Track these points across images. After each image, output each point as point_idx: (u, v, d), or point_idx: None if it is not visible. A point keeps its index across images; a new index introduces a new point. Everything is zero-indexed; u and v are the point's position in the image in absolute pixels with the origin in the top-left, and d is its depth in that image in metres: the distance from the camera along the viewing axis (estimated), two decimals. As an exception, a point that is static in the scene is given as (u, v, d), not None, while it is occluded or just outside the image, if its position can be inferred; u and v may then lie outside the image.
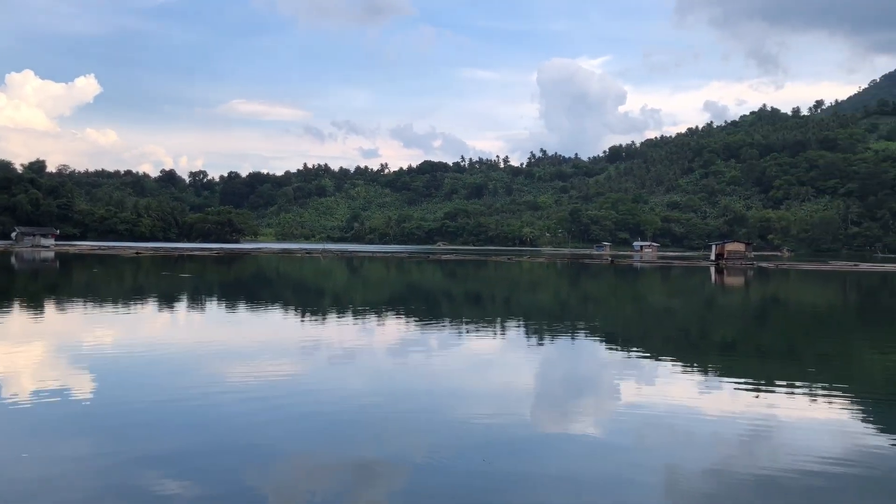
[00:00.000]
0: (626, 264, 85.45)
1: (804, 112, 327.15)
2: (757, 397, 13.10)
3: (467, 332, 22.02)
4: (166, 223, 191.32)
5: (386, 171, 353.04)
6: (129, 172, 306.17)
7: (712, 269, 73.04)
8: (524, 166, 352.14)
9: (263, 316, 25.84)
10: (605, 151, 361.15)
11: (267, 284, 45.69)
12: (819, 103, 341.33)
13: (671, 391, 13.46)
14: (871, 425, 11.33)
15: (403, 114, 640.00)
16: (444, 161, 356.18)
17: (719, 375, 15.51)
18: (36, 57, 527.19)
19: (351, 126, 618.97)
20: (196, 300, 30.96)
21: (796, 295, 44.49)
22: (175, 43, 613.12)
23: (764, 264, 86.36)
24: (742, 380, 14.92)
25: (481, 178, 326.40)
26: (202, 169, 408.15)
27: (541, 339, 20.65)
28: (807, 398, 13.04)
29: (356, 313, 27.22)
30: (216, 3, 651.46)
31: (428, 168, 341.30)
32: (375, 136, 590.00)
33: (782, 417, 11.47)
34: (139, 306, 27.94)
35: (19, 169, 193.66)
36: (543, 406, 12.57)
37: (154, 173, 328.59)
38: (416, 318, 25.35)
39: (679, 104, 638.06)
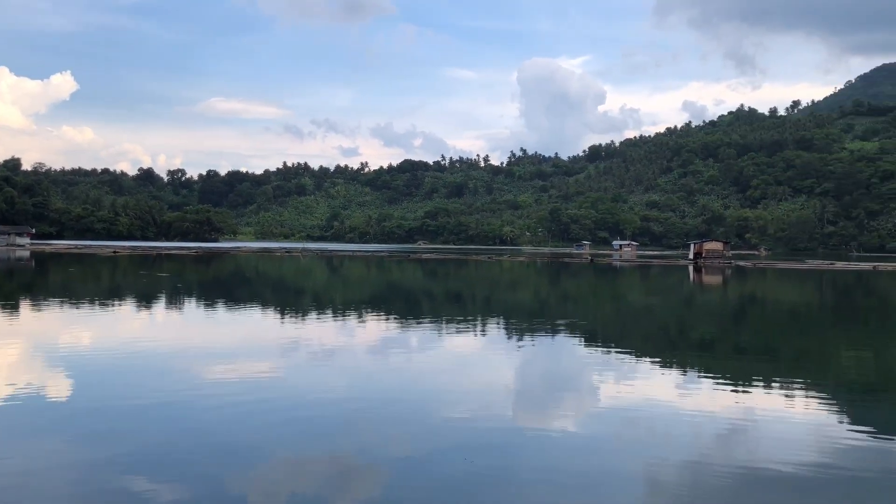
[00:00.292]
0: (606, 263, 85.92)
1: (781, 112, 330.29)
2: (735, 394, 13.23)
3: (448, 331, 22.03)
4: (144, 222, 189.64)
5: (366, 169, 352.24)
6: (106, 171, 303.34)
7: (691, 268, 73.65)
8: (504, 165, 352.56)
9: (242, 316, 25.70)
10: (584, 151, 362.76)
11: (246, 284, 45.44)
12: (796, 104, 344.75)
13: (650, 389, 13.56)
14: (845, 421, 11.48)
15: (384, 113, 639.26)
16: (425, 160, 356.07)
17: (698, 373, 15.65)
18: (11, 54, 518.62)
19: (331, 125, 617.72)
20: (174, 300, 30.72)
21: (773, 293, 44.97)
22: (153, 40, 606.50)
23: (741, 263, 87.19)
24: (720, 377, 15.06)
25: (462, 177, 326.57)
26: (181, 167, 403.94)
27: (521, 337, 20.72)
28: (783, 395, 13.20)
29: (336, 313, 27.15)
30: (195, 1, 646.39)
31: (408, 167, 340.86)
32: (355, 134, 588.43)
33: (760, 414, 11.60)
34: (116, 306, 27.69)
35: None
36: (525, 404, 12.62)
37: (132, 172, 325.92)
38: (397, 318, 25.33)
39: (658, 104, 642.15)
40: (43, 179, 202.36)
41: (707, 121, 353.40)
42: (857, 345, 21.66)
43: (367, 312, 27.45)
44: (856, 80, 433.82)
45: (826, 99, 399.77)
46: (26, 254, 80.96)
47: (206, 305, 29.17)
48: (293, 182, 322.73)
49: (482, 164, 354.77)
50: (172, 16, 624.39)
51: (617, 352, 18.50)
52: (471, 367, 16.12)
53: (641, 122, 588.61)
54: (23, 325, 21.53)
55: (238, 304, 29.60)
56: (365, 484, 8.22)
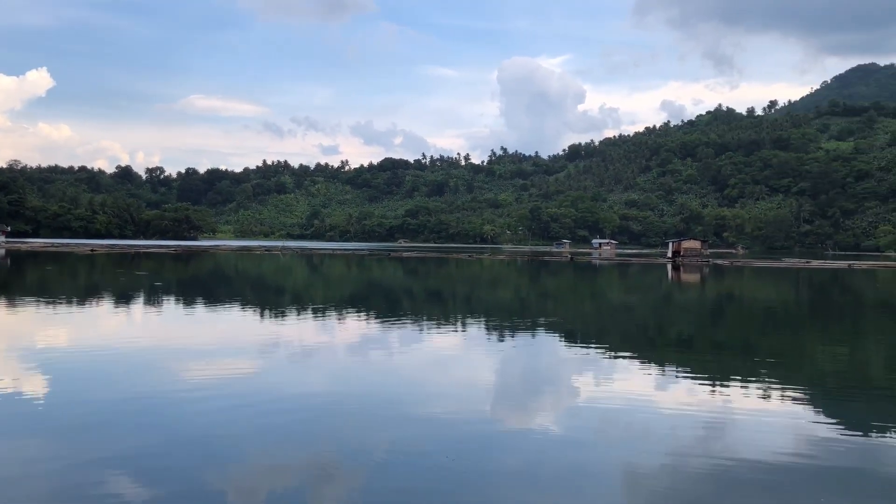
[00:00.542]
0: (585, 262, 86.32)
1: (758, 112, 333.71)
2: (713, 391, 13.37)
3: (428, 329, 22.04)
4: (122, 220, 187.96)
5: (346, 168, 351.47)
6: (83, 168, 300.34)
7: (669, 266, 74.17)
8: (485, 164, 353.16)
9: (221, 314, 25.55)
10: (564, 150, 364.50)
11: (225, 282, 45.16)
12: (773, 104, 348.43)
13: (629, 386, 13.66)
14: (822, 418, 11.64)
15: (364, 111, 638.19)
16: (405, 158, 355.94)
17: (676, 370, 15.79)
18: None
19: (311, 123, 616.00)
20: (153, 298, 30.47)
21: (750, 291, 45.41)
22: (131, 37, 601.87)
23: (719, 261, 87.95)
24: (698, 374, 15.21)
25: (442, 175, 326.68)
26: (159, 165, 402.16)
27: (501, 335, 20.78)
28: (760, 392, 13.35)
29: (316, 311, 27.08)
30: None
31: (389, 165, 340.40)
32: (336, 133, 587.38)
33: (737, 411, 11.73)
34: (94, 305, 27.42)
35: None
36: (505, 402, 12.67)
37: (110, 169, 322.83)
38: (377, 316, 25.31)
39: (637, 103, 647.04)
40: (18, 177, 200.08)
41: (685, 120, 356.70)
42: (833, 342, 21.94)
43: (347, 311, 27.39)
44: (831, 80, 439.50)
45: (802, 99, 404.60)
46: (1, 252, 79.90)
47: (185, 304, 28.97)
48: (273, 180, 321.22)
49: (463, 162, 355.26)
50: (151, 12, 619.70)
51: (596, 349, 18.61)
52: (451, 365, 16.15)
53: (621, 121, 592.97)
54: (-2, 325, 21.26)
55: (217, 303, 29.42)
56: (345, 482, 8.22)
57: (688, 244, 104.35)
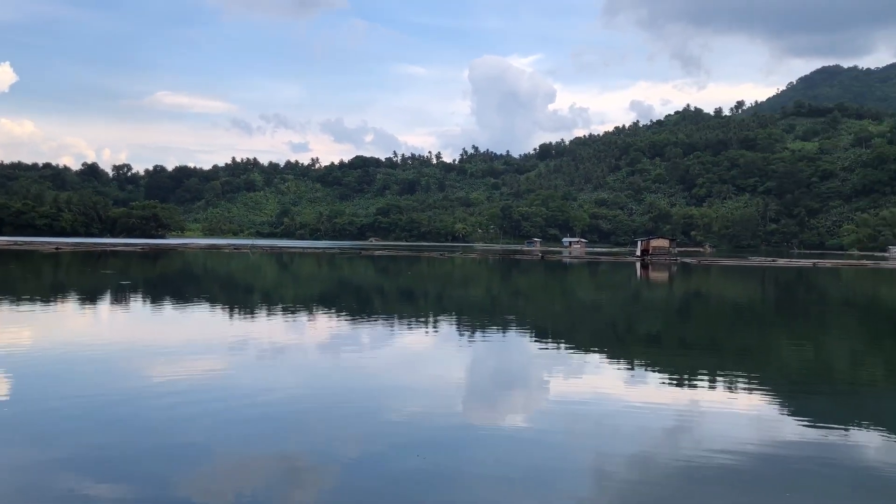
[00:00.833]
0: (556, 260, 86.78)
1: (726, 112, 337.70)
2: (681, 388, 13.53)
3: (399, 328, 22.01)
4: (89, 218, 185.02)
5: (317, 165, 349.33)
6: (48, 165, 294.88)
7: (638, 265, 74.82)
8: (456, 162, 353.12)
9: (190, 313, 25.26)
10: (535, 149, 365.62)
11: (194, 281, 44.66)
12: (740, 104, 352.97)
13: (599, 384, 13.76)
14: (787, 413, 11.83)
15: (334, 108, 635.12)
16: (377, 156, 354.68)
17: (645, 368, 15.94)
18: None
19: (280, 120, 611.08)
20: (119, 298, 30.03)
21: (718, 289, 46.00)
22: (97, 32, 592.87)
23: (687, 260, 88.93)
24: (666, 371, 15.37)
25: (414, 173, 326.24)
26: (126, 162, 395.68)
27: (473, 334, 20.81)
28: (727, 388, 13.53)
29: (286, 310, 26.90)
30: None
31: (360, 163, 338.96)
32: (305, 130, 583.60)
33: (705, 407, 11.87)
34: (58, 304, 26.95)
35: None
36: (476, 400, 12.69)
37: (75, 166, 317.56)
38: (348, 315, 25.20)
39: (607, 103, 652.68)
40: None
41: (654, 120, 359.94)
42: (798, 339, 22.31)
43: (318, 310, 27.26)
44: (797, 81, 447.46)
45: (769, 100, 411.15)
46: (-38, 250, 78.22)
47: (153, 303, 28.60)
48: (242, 178, 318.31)
49: (434, 161, 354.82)
50: (116, 7, 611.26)
51: (566, 347, 18.72)
52: (422, 363, 16.14)
53: (590, 120, 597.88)
54: (-41, 324, 20.80)
55: (185, 302, 29.08)
56: (316, 482, 8.17)
57: (656, 243, 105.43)
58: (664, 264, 77.23)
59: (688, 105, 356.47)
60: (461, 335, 20.63)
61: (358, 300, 32.27)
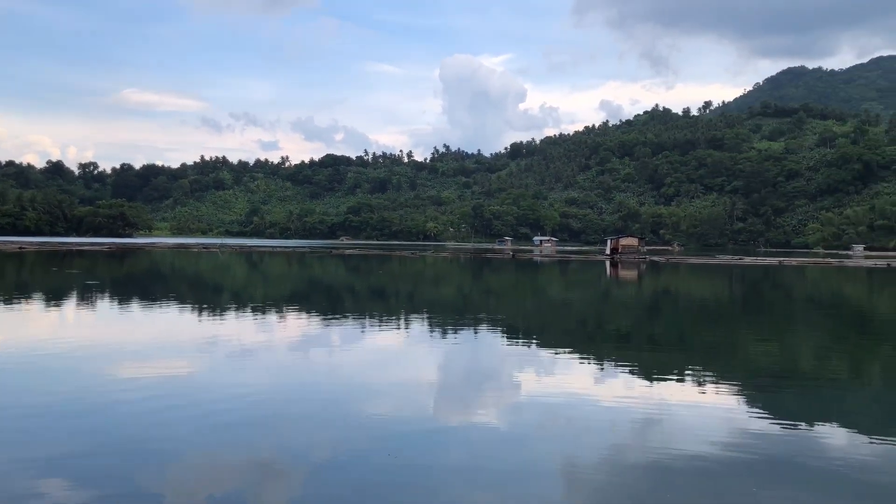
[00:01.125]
0: (527, 259, 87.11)
1: (694, 112, 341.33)
2: (650, 385, 13.66)
3: (370, 327, 21.95)
4: (54, 217, 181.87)
5: (287, 164, 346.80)
6: (11, 163, 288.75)
7: (607, 263, 75.39)
8: (428, 161, 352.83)
9: (158, 313, 24.94)
10: (506, 148, 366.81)
11: (162, 280, 44.10)
12: (707, 104, 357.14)
13: (569, 381, 13.85)
14: (754, 409, 11.99)
15: (304, 106, 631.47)
16: (347, 155, 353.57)
17: (615, 365, 16.07)
18: None
19: (250, 118, 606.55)
20: (86, 298, 29.55)
21: (686, 287, 46.53)
22: (61, 27, 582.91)
23: (656, 258, 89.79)
24: (636, 368, 15.51)
25: (385, 172, 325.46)
26: (93, 160, 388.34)
27: (444, 333, 20.81)
28: (696, 385, 13.69)
29: (255, 310, 26.69)
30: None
31: (330, 162, 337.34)
32: (275, 128, 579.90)
33: (673, 404, 11.99)
34: (23, 304, 26.44)
35: None
36: (447, 398, 12.70)
37: (40, 164, 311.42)
38: (318, 315, 25.07)
39: (577, 103, 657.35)
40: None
41: (623, 120, 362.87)
42: (764, 336, 22.63)
43: (288, 309, 27.08)
44: (763, 82, 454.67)
45: (736, 100, 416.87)
46: (-78, 250, 76.45)
47: (120, 303, 28.20)
48: (211, 176, 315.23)
49: (405, 159, 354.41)
50: (83, 1, 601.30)
51: (537, 345, 18.81)
52: (393, 363, 16.11)
53: (561, 120, 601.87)
54: (-81, 325, 20.33)
55: (153, 302, 28.71)
56: (286, 482, 8.12)
57: (625, 241, 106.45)
58: (633, 263, 77.92)
59: (656, 105, 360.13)
60: (432, 334, 20.63)
61: (329, 299, 32.11)
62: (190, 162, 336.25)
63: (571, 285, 47.16)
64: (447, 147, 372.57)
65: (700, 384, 13.79)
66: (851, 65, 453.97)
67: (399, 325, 22.78)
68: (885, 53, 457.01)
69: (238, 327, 21.22)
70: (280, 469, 8.52)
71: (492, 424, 10.82)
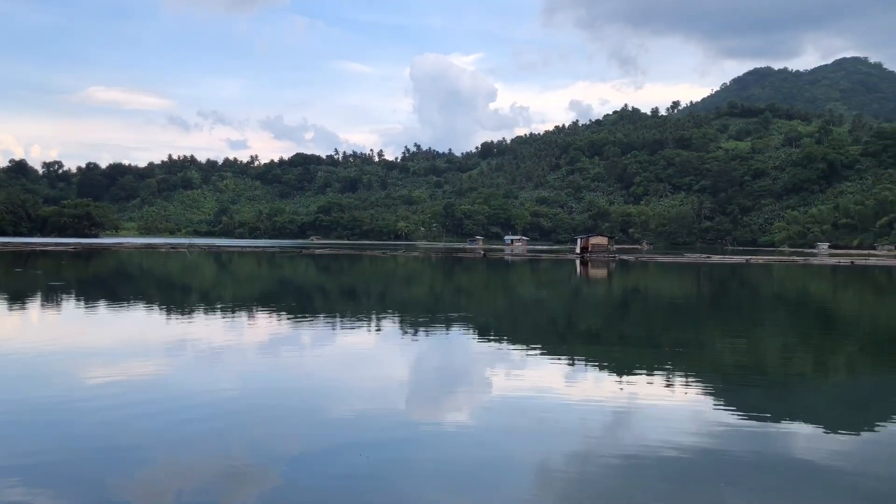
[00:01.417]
0: (498, 258, 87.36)
1: (662, 112, 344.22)
2: (619, 382, 13.77)
3: (341, 327, 21.87)
4: (16, 216, 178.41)
5: (256, 163, 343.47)
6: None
7: (578, 262, 75.88)
8: (399, 160, 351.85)
9: (125, 315, 24.61)
10: (477, 147, 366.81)
11: (129, 281, 43.50)
12: (675, 104, 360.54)
13: (540, 380, 13.92)
14: (722, 405, 12.15)
15: (273, 105, 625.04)
16: (317, 154, 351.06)
17: (585, 363, 16.19)
18: None
19: (218, 116, 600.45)
20: (51, 299, 29.05)
21: (655, 286, 46.99)
22: (24, 23, 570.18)
23: (625, 257, 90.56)
24: (606, 367, 15.63)
25: (355, 171, 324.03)
26: (57, 159, 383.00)
27: (415, 332, 20.80)
28: (664, 383, 13.83)
29: (225, 311, 26.45)
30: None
31: (300, 161, 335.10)
32: (244, 127, 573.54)
33: (643, 402, 12.11)
34: (-15, 306, 25.92)
35: None
36: (419, 398, 12.69)
37: (2, 163, 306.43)
38: (289, 315, 24.90)
39: (547, 102, 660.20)
40: None
41: (593, 120, 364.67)
42: (731, 333, 22.94)
43: (258, 310, 26.87)
44: (730, 82, 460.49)
45: (703, 100, 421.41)
46: None
47: (86, 304, 27.77)
48: (179, 175, 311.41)
49: (376, 158, 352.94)
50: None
51: (508, 344, 18.87)
52: (365, 363, 16.07)
53: (531, 119, 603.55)
54: None
55: (120, 303, 28.32)
56: (258, 483, 8.05)
57: (595, 240, 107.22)
58: (603, 261, 78.50)
59: (625, 105, 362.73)
60: (404, 334, 20.61)
61: (299, 300, 31.92)
62: (157, 161, 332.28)
63: (542, 284, 47.39)
64: (418, 146, 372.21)
65: (669, 382, 13.94)
66: (816, 66, 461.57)
67: (370, 325, 22.72)
68: (847, 55, 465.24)
69: (207, 328, 21.01)
70: (251, 470, 8.45)
71: (463, 423, 10.84)
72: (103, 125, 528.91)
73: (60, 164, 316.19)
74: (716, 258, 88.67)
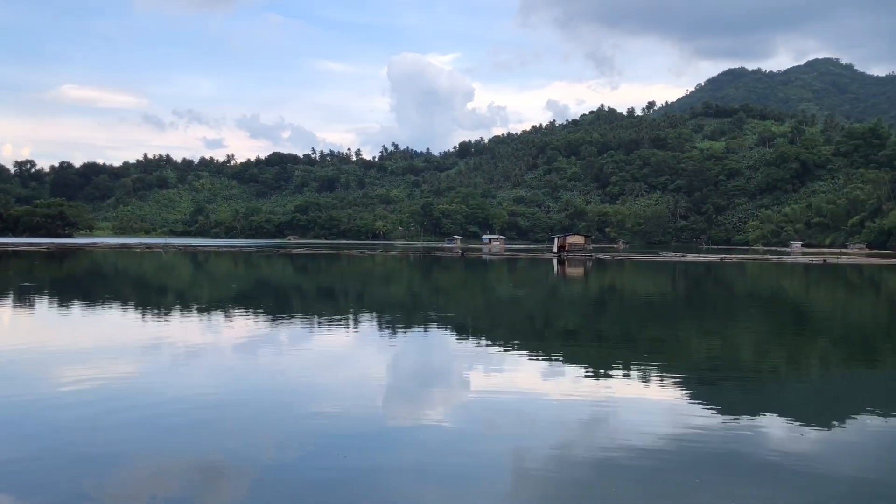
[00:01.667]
0: (476, 257, 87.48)
1: (638, 112, 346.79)
2: (596, 380, 13.87)
3: (319, 327, 21.79)
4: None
5: (232, 162, 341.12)
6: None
7: (555, 261, 76.18)
8: (376, 160, 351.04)
9: (100, 316, 24.34)
10: (455, 147, 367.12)
11: (104, 281, 43.02)
12: (651, 104, 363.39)
13: (518, 378, 13.97)
14: (697, 403, 12.27)
15: (250, 104, 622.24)
16: (294, 153, 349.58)
17: (562, 361, 16.27)
18: None
19: (194, 115, 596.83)
20: (23, 300, 28.64)
21: (631, 284, 47.32)
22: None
23: (602, 256, 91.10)
24: (583, 365, 15.72)
25: (333, 170, 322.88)
26: (29, 158, 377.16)
27: (393, 332, 20.78)
28: (641, 380, 13.95)
29: (201, 311, 26.25)
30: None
31: (277, 160, 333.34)
32: (220, 125, 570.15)
33: (619, 399, 12.20)
34: (-44, 307, 25.52)
35: None
36: (396, 398, 12.69)
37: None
38: (265, 315, 24.76)
39: (524, 102, 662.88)
40: None
41: (570, 119, 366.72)
42: (707, 331, 23.16)
43: (234, 310, 26.69)
44: (704, 83, 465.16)
45: (679, 100, 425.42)
46: None
47: (59, 305, 27.42)
48: (154, 175, 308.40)
49: (354, 157, 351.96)
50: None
51: (486, 343, 18.90)
52: (342, 363, 16.02)
53: (508, 119, 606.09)
54: None
55: (95, 304, 28.00)
56: (235, 485, 8.01)
57: (572, 239, 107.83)
58: (580, 260, 78.90)
59: (602, 105, 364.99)
60: (382, 334, 20.58)
61: (276, 300, 31.75)
62: (132, 160, 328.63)
63: (520, 283, 47.52)
64: (396, 146, 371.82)
65: (645, 379, 14.06)
66: (788, 66, 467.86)
67: (348, 324, 22.66)
68: (819, 56, 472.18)
69: (182, 329, 20.84)
70: (227, 471, 8.41)
71: (441, 422, 10.85)
72: (77, 124, 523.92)
73: (33, 164, 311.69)
74: (691, 257, 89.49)
